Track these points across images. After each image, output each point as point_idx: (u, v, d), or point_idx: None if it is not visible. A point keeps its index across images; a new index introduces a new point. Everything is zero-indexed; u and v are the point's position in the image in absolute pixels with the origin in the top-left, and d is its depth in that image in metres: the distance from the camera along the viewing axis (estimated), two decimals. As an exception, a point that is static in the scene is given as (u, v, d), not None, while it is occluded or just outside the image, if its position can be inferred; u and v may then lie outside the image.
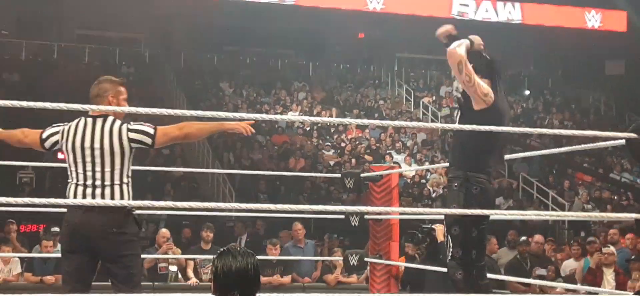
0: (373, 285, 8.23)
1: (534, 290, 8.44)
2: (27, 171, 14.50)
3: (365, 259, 8.34)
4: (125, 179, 4.52)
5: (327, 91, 24.40)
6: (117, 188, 4.48)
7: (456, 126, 4.61)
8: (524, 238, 10.58)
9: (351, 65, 26.98)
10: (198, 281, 8.96)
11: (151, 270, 9.35)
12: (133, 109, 4.27)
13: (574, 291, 7.83)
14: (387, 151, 19.61)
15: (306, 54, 26.59)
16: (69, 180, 4.58)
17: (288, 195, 15.69)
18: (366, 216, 8.24)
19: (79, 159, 4.50)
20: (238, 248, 2.70)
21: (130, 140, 4.52)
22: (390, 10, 23.62)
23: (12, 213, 9.90)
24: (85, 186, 4.48)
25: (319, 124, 21.26)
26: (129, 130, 4.53)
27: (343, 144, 20.32)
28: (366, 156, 19.03)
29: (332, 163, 18.77)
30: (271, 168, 16.30)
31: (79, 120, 4.59)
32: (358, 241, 10.01)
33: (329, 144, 20.39)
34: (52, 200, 4.19)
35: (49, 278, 8.59)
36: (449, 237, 4.69)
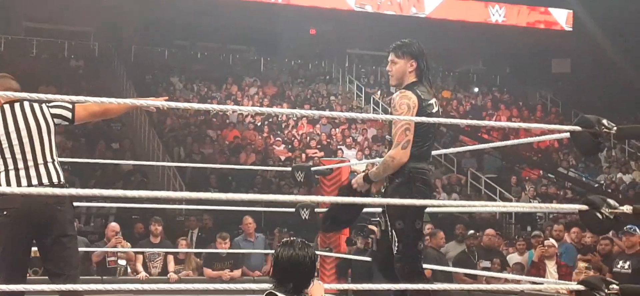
0: (323, 278, 8.29)
1: (481, 282, 8.59)
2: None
3: (316, 252, 8.40)
4: (55, 157, 4.51)
5: (279, 86, 24.41)
6: (51, 166, 4.47)
7: (407, 117, 4.62)
8: (471, 231, 10.75)
9: (303, 61, 27.03)
10: (147, 275, 8.94)
11: (100, 264, 9.29)
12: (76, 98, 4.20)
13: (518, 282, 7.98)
14: (338, 147, 19.70)
15: (258, 50, 26.58)
16: None
17: (239, 190, 15.67)
18: (316, 210, 8.30)
19: (6, 145, 4.39)
20: (299, 241, 2.91)
21: (52, 116, 4.54)
22: (339, 7, 23.92)
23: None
24: (17, 169, 4.38)
25: (270, 120, 21.27)
26: (48, 107, 4.56)
27: (294, 140, 20.37)
28: (317, 151, 19.10)
29: (283, 158, 18.80)
30: (222, 163, 16.26)
31: None
32: (308, 236, 10.07)
33: (280, 139, 20.41)
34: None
35: None
36: (394, 232, 4.67)
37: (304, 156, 18.70)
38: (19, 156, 4.38)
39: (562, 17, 26.50)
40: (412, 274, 4.61)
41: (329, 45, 26.90)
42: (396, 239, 4.65)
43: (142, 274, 8.91)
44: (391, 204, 4.68)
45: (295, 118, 21.53)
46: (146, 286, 4.59)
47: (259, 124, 21.01)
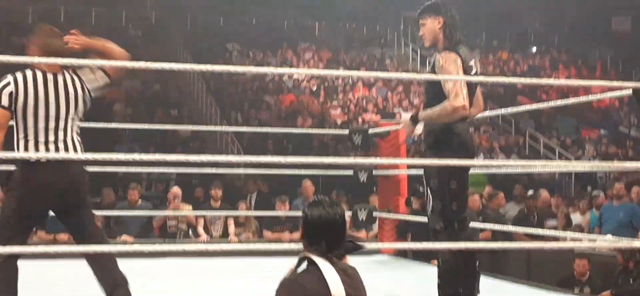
0: (382, 239, 8.34)
1: (541, 241, 8.54)
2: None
3: (374, 214, 8.45)
4: (76, 132, 4.34)
5: (334, 51, 24.39)
6: (76, 142, 4.32)
7: (465, 77, 4.61)
8: (531, 192, 10.68)
9: (358, 24, 26.92)
10: (209, 238, 9.08)
11: (162, 228, 9.47)
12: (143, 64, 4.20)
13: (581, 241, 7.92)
14: (395, 110, 19.65)
15: (312, 15, 26.54)
16: (22, 137, 4.22)
17: (296, 154, 15.77)
18: (375, 172, 8.33)
19: (42, 114, 4.20)
20: (328, 199, 2.87)
21: (89, 90, 4.34)
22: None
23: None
24: (38, 142, 4.20)
25: (326, 84, 21.28)
26: (84, 82, 4.33)
27: (350, 104, 20.37)
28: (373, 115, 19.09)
29: (339, 121, 18.83)
30: (279, 127, 16.36)
31: (29, 73, 4.24)
32: (365, 198, 10.11)
33: (336, 103, 20.43)
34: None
35: (62, 236, 8.72)
36: (429, 190, 4.71)
37: (360, 119, 18.70)
38: (42, 127, 4.18)
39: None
40: (442, 233, 4.66)
41: (384, 8, 26.73)
42: (430, 197, 4.70)
43: (204, 236, 9.06)
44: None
45: (351, 82, 21.51)
46: (209, 247, 4.71)
47: (314, 88, 21.04)
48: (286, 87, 20.71)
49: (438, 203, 4.67)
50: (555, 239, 7.48)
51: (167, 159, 4.06)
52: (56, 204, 4.27)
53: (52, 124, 4.22)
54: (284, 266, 2.86)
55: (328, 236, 2.78)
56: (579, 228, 9.68)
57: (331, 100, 20.60)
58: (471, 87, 4.70)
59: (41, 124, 4.19)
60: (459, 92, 4.54)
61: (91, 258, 4.29)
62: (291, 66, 22.29)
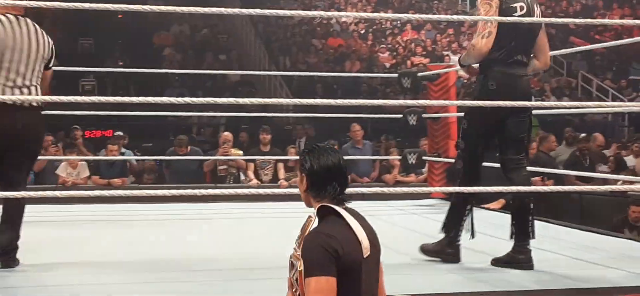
0: (432, 183, 8.32)
1: (593, 185, 8.43)
2: (89, 78, 14.79)
3: (424, 158, 8.42)
4: (38, 83, 4.52)
5: (382, -7, 24.12)
6: (33, 89, 4.47)
7: (515, 19, 4.54)
8: (583, 134, 10.52)
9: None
10: (259, 182, 9.14)
11: (212, 173, 9.56)
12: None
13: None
14: (444, 53, 19.44)
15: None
16: None
17: (344, 98, 15.71)
18: (424, 116, 8.28)
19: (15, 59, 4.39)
20: (324, 145, 2.85)
21: (51, 48, 4.58)
22: None
23: (77, 119, 10.19)
24: (15, 86, 4.39)
25: (374, 27, 21.11)
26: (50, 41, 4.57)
27: (398, 47, 20.20)
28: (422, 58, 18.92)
29: (387, 65, 18.70)
30: (327, 72, 16.32)
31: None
32: (415, 142, 10.07)
33: (384, 46, 20.27)
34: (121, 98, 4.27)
35: (116, 181, 8.86)
36: (461, 130, 4.82)
37: (409, 62, 18.55)
38: (12, 72, 4.37)
39: None
40: (464, 175, 4.73)
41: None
42: (460, 137, 4.81)
43: (254, 181, 9.12)
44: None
45: (399, 25, 21.31)
46: (260, 191, 4.73)
47: (362, 31, 20.88)
48: (334, 31, 20.59)
49: (465, 144, 4.73)
50: (608, 182, 7.36)
51: (217, 102, 4.06)
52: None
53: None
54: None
55: (337, 182, 2.72)
56: (632, 172, 9.52)
57: (379, 43, 20.45)
58: (521, 32, 4.60)
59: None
60: (482, 32, 4.52)
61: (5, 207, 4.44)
62: (339, 9, 22.12)
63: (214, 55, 17.88)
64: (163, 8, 4.49)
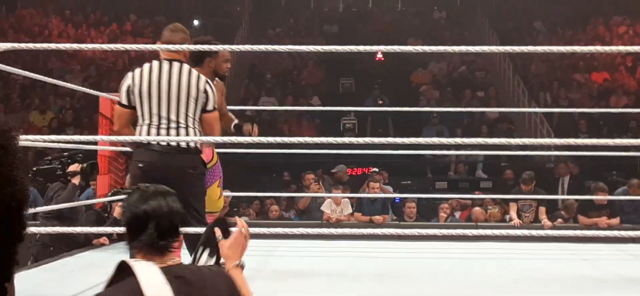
0: None
1: None
2: (349, 117, 15.32)
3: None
4: (195, 125, 4.46)
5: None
6: (191, 130, 4.42)
7: None
8: None
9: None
10: (521, 222, 8.88)
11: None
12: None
13: None
14: None
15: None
16: (142, 122, 4.42)
17: (611, 135, 14.99)
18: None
19: (156, 100, 4.39)
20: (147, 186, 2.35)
21: (205, 91, 4.47)
22: None
23: (340, 157, 10.56)
24: (158, 126, 4.38)
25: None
26: (205, 82, 4.49)
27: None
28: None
29: (657, 99, 17.59)
30: (591, 107, 15.66)
31: (152, 63, 4.46)
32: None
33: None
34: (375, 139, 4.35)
35: (378, 218, 9.03)
36: None
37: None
38: (162, 113, 4.38)
39: None
40: None
41: None
42: None
43: (516, 221, 8.88)
44: None
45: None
46: (521, 232, 4.56)
47: (630, 65, 19.83)
48: (599, 65, 19.73)
49: None
50: None
51: (475, 142, 4.03)
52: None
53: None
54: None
55: (155, 226, 2.16)
56: None
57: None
58: None
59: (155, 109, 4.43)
60: None
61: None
62: (603, 42, 21.17)
63: (472, 92, 17.81)
64: (419, 48, 4.54)
